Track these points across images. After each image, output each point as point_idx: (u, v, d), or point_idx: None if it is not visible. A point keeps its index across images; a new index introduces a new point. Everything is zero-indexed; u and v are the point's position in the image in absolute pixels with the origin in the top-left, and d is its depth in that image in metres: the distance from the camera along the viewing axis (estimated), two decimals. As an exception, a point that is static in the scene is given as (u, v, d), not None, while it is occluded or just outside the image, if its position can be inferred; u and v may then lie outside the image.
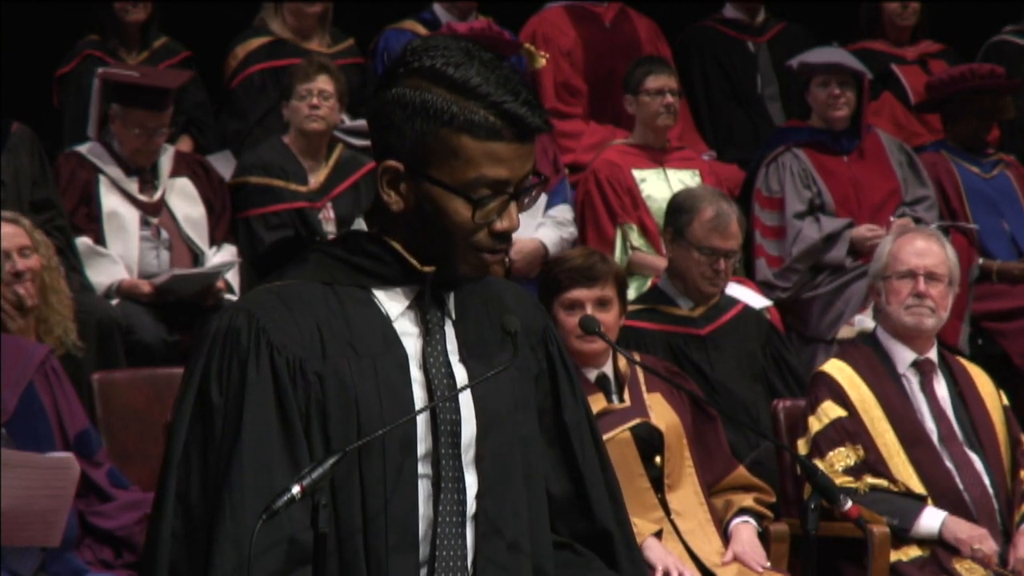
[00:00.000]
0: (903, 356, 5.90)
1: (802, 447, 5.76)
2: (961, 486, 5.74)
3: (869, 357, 5.90)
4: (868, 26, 9.08)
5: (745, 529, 5.53)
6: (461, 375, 2.99)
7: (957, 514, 5.66)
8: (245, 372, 2.89)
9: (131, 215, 7.14)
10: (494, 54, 2.94)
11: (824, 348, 7.51)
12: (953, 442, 5.81)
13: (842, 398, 5.79)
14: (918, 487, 5.70)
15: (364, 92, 8.31)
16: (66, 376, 5.47)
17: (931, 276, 5.86)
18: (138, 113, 7.11)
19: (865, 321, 7.08)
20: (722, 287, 6.48)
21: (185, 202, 7.26)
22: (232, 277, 7.16)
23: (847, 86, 7.82)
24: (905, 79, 8.88)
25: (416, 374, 2.95)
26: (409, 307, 2.98)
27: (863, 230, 7.70)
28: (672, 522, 5.38)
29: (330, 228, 7.46)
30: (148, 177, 7.23)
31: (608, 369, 5.44)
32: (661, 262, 6.95)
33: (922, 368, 5.90)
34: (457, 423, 2.96)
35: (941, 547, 5.62)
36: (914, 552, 5.65)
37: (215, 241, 7.27)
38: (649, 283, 7.15)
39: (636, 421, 5.39)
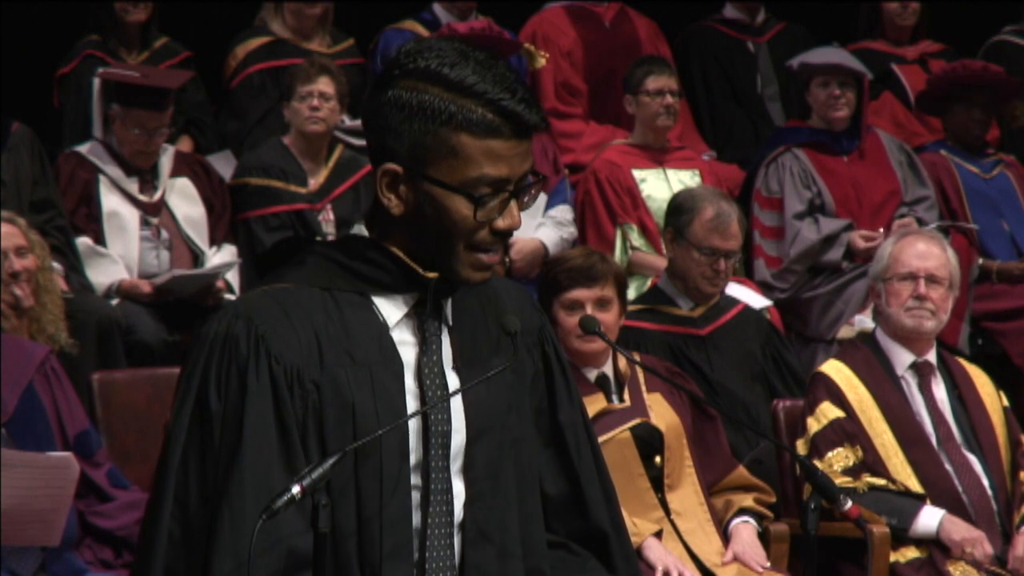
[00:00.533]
0: (902, 358, 5.90)
1: (801, 448, 5.76)
2: (960, 488, 5.73)
3: (868, 358, 5.90)
4: (868, 26, 9.08)
5: (745, 529, 5.53)
6: (454, 383, 2.99)
7: (956, 516, 5.65)
8: (245, 380, 2.89)
9: (131, 215, 7.14)
10: (489, 53, 2.94)
11: (824, 348, 7.52)
12: (952, 444, 5.81)
13: (840, 399, 5.79)
14: (917, 488, 5.70)
15: (364, 92, 8.31)
16: (66, 376, 5.47)
17: (932, 279, 5.85)
18: (138, 113, 7.11)
19: (865, 321, 7.08)
20: (722, 287, 6.48)
21: (185, 202, 7.26)
22: (232, 277, 7.16)
23: (847, 86, 7.82)
24: (905, 79, 8.88)
25: (411, 384, 2.96)
26: (407, 315, 2.98)
27: (859, 238, 7.68)
28: (672, 522, 5.38)
29: (330, 229, 7.46)
30: (148, 177, 7.23)
31: (608, 369, 5.44)
32: (661, 262, 6.95)
33: (921, 370, 5.90)
34: (448, 433, 2.97)
35: (937, 548, 5.62)
36: (912, 554, 5.65)
37: (215, 241, 7.27)
38: (649, 283, 7.16)
39: (636, 421, 5.39)
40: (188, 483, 2.90)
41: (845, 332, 7.41)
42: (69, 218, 7.02)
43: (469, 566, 2.98)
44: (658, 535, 5.33)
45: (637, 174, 7.69)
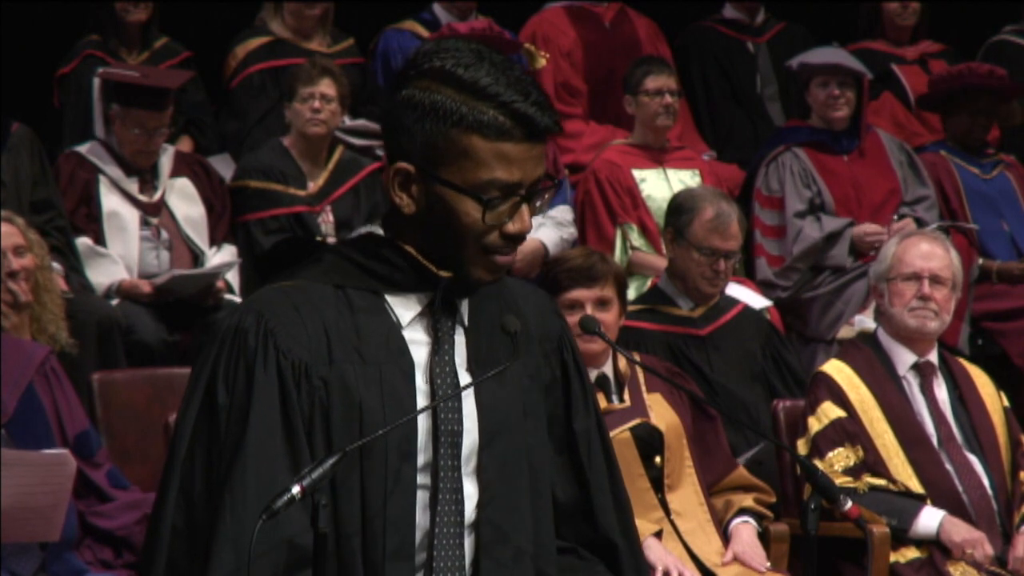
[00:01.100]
0: (903, 358, 5.90)
1: (801, 447, 5.76)
2: (960, 488, 5.73)
3: (869, 358, 5.89)
4: (868, 26, 9.08)
5: (745, 529, 5.53)
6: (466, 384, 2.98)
7: (956, 516, 5.65)
8: (252, 373, 2.89)
9: (131, 215, 7.14)
10: (506, 56, 2.93)
11: (824, 348, 7.51)
12: (953, 444, 5.81)
13: (841, 399, 5.79)
14: (917, 489, 5.70)
15: (364, 92, 8.32)
16: (66, 377, 5.47)
17: (936, 279, 5.86)
18: (138, 113, 7.11)
19: (865, 321, 7.08)
20: (722, 287, 6.48)
21: (185, 202, 7.26)
22: (232, 277, 7.16)
23: (847, 86, 7.82)
24: (905, 79, 8.88)
25: (422, 384, 2.95)
26: (420, 314, 2.97)
27: (864, 228, 7.69)
28: (672, 522, 5.38)
29: (329, 231, 7.46)
30: (148, 177, 7.23)
31: (608, 369, 5.44)
32: (661, 262, 6.95)
33: (922, 370, 5.90)
34: (459, 434, 2.96)
35: (938, 548, 5.62)
36: (912, 554, 5.65)
37: (215, 241, 7.27)
38: (649, 283, 7.15)
39: (636, 421, 5.39)
40: (194, 475, 2.90)
41: (845, 332, 7.40)
42: (69, 218, 7.02)
43: (488, 564, 2.97)
44: (658, 535, 5.33)
45: (637, 174, 7.69)
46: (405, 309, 2.97)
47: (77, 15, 8.22)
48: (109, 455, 5.58)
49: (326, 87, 7.45)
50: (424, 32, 8.45)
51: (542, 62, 8.40)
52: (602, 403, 5.38)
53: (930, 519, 5.64)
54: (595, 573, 3.12)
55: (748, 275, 7.64)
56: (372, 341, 2.93)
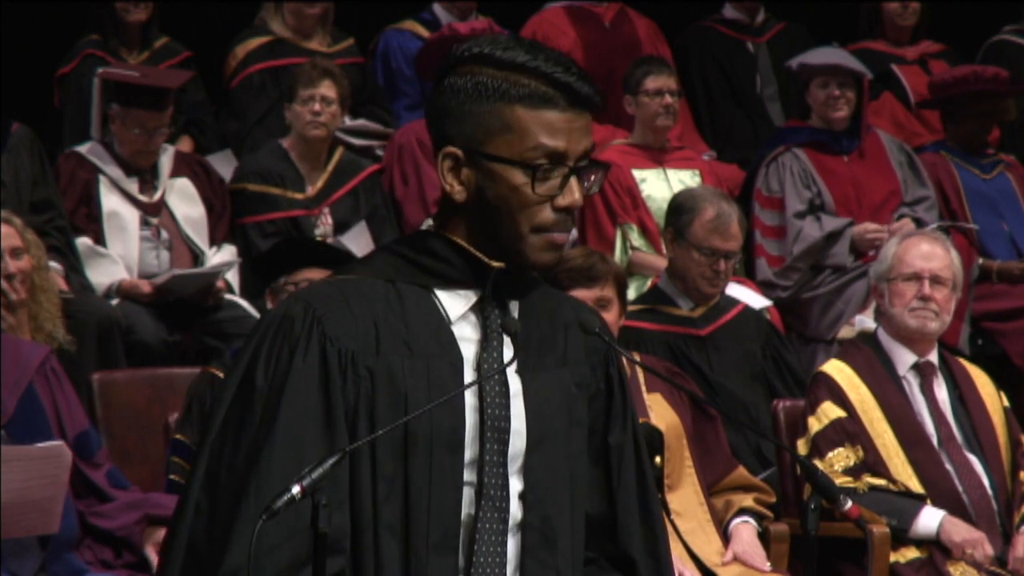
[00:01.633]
0: (904, 358, 5.90)
1: (802, 447, 5.76)
2: (960, 488, 5.74)
3: (869, 358, 5.90)
4: (868, 26, 9.08)
5: (745, 529, 5.53)
6: (516, 386, 2.98)
7: (956, 516, 5.66)
8: (292, 359, 2.89)
9: (131, 215, 7.14)
10: (542, 44, 2.98)
11: (824, 348, 7.51)
12: (953, 444, 5.81)
13: (841, 399, 5.79)
14: (917, 489, 5.70)
15: (364, 92, 8.32)
16: (66, 377, 5.47)
17: (936, 280, 5.86)
18: (138, 113, 7.11)
19: (865, 321, 7.08)
20: (722, 288, 6.48)
21: (185, 202, 7.26)
22: (232, 277, 7.16)
23: (847, 87, 7.82)
24: (905, 79, 8.88)
25: (468, 379, 2.94)
26: (471, 310, 2.97)
27: (865, 227, 7.69)
28: (672, 522, 5.38)
29: (328, 233, 7.45)
30: (148, 177, 7.23)
31: (608, 369, 5.43)
32: (661, 262, 6.95)
33: (922, 371, 5.90)
34: (506, 431, 2.95)
35: (938, 549, 5.62)
36: (912, 554, 5.65)
37: (215, 241, 7.27)
38: (649, 283, 7.15)
39: (636, 421, 5.39)
40: (222, 455, 2.90)
41: (845, 332, 7.40)
42: (69, 218, 7.01)
43: (528, 570, 2.97)
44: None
45: (637, 174, 7.68)
46: (455, 305, 2.97)
47: (77, 15, 8.22)
48: (109, 455, 5.58)
49: (326, 89, 7.45)
50: (424, 32, 8.45)
51: (542, 62, 8.38)
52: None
53: (930, 519, 5.64)
54: None
55: (748, 275, 7.64)
56: (421, 334, 2.93)
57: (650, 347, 6.26)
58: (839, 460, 5.70)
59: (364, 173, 7.64)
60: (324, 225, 7.49)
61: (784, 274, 7.72)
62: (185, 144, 7.99)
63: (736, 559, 5.45)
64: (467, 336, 2.97)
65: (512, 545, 2.97)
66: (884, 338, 5.94)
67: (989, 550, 5.61)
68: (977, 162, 8.18)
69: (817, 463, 5.59)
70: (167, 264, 7.11)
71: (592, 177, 2.96)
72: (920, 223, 7.75)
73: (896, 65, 8.94)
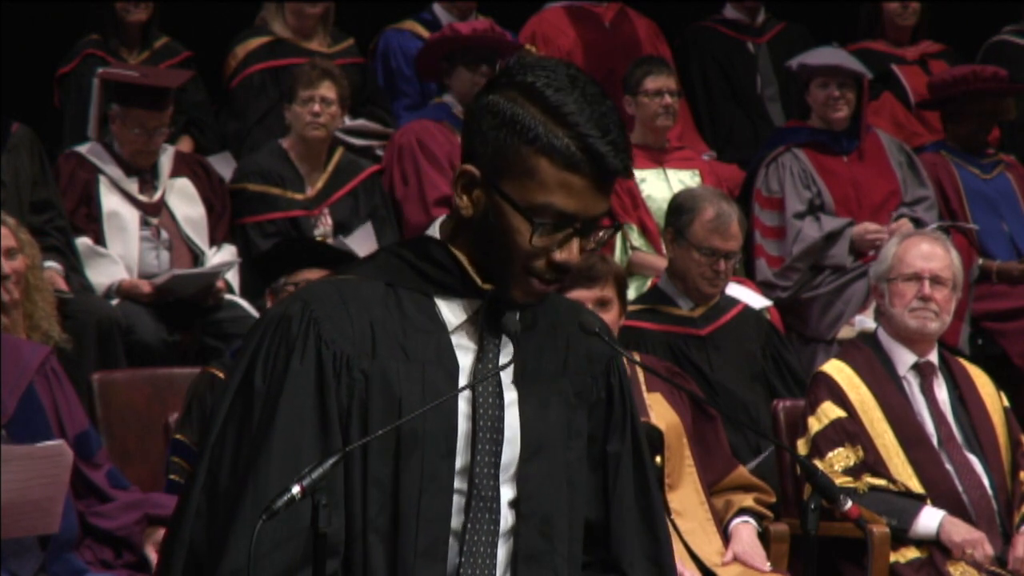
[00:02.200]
0: (904, 358, 5.90)
1: (802, 447, 5.76)
2: (960, 488, 5.74)
3: (869, 358, 5.90)
4: (868, 26, 9.09)
5: (745, 529, 5.53)
6: (511, 396, 2.98)
7: (956, 516, 5.66)
8: (289, 360, 2.89)
9: (131, 215, 7.14)
10: (600, 89, 2.93)
11: (824, 348, 7.52)
12: (953, 444, 5.81)
13: (841, 399, 5.79)
14: (917, 489, 5.70)
15: (364, 92, 8.32)
16: (66, 377, 5.46)
17: (936, 280, 5.86)
18: (138, 113, 7.11)
19: (865, 321, 7.08)
20: (722, 288, 6.48)
21: (185, 202, 7.26)
22: (232, 277, 7.16)
23: (847, 87, 7.82)
24: (905, 79, 8.88)
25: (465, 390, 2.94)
26: (468, 320, 2.97)
27: (864, 227, 7.69)
28: (673, 522, 5.38)
29: (327, 233, 7.46)
30: (148, 177, 7.23)
31: (608, 369, 5.43)
32: (661, 262, 6.95)
33: (923, 371, 5.90)
34: (499, 442, 2.95)
35: (938, 549, 5.62)
36: (912, 554, 5.65)
37: (215, 241, 7.27)
38: (649, 283, 7.16)
39: (636, 421, 5.38)
40: (222, 458, 2.90)
41: (845, 332, 7.41)
42: (69, 218, 7.01)
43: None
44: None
45: (637, 174, 7.68)
46: (452, 314, 2.97)
47: (77, 15, 8.22)
48: (109, 455, 5.58)
49: (326, 90, 7.44)
50: (424, 32, 8.45)
51: (542, 63, 8.38)
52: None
53: (930, 519, 5.64)
54: None
55: (748, 275, 7.64)
56: (418, 340, 2.93)
57: (650, 347, 6.26)
58: (839, 460, 5.70)
59: (364, 174, 7.64)
60: (324, 225, 7.49)
61: (784, 274, 7.72)
62: (185, 144, 7.99)
63: (736, 559, 5.45)
64: (464, 345, 2.97)
65: (503, 553, 2.97)
66: (884, 338, 5.93)
67: (989, 550, 5.61)
68: (977, 162, 8.18)
69: (817, 463, 5.59)
70: (167, 264, 7.11)
71: (600, 234, 2.95)
72: (920, 223, 7.75)
73: (896, 65, 8.94)
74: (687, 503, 5.43)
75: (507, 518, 2.97)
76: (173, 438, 5.53)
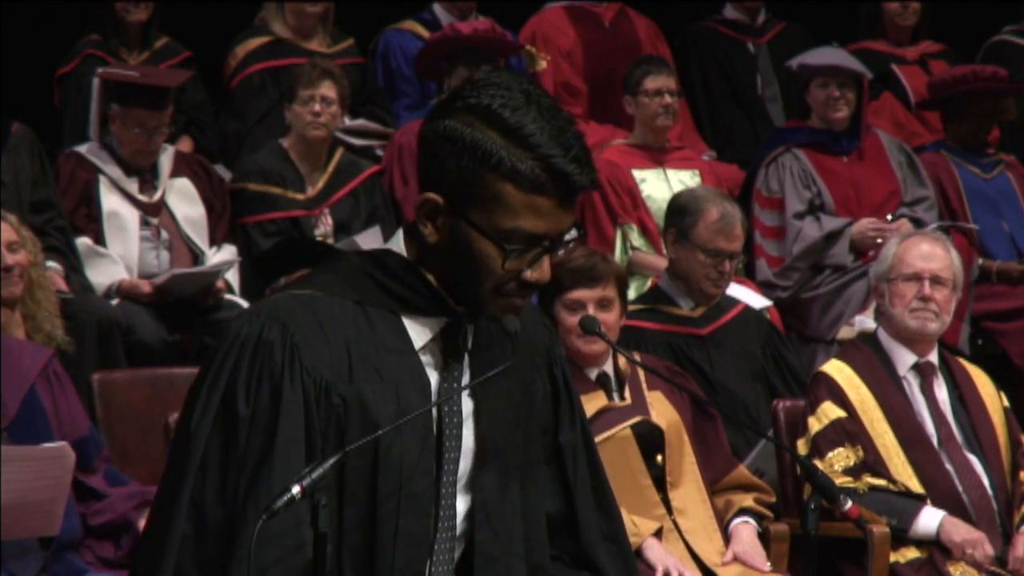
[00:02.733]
0: (904, 358, 5.90)
1: (802, 447, 5.76)
2: (960, 488, 5.73)
3: (869, 358, 5.89)
4: (868, 26, 9.09)
5: (745, 529, 5.53)
6: (468, 407, 2.99)
7: (956, 516, 5.65)
8: (280, 389, 2.87)
9: (131, 215, 7.14)
10: (553, 101, 2.90)
11: (824, 348, 7.51)
12: (953, 444, 5.81)
13: (841, 399, 5.78)
14: (917, 489, 5.70)
15: (364, 92, 8.32)
16: (69, 380, 5.46)
17: (936, 280, 5.85)
18: (138, 112, 7.11)
19: (865, 321, 7.08)
20: (724, 288, 6.47)
21: (185, 202, 7.26)
22: (232, 276, 7.15)
23: (847, 87, 7.82)
24: (905, 79, 8.88)
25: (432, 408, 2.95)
26: (433, 339, 2.97)
27: (864, 224, 7.69)
28: (674, 521, 5.38)
29: (328, 234, 7.45)
30: (148, 177, 7.23)
31: (608, 367, 5.44)
32: (661, 262, 6.94)
33: (923, 371, 5.90)
34: (457, 460, 2.97)
35: (938, 549, 5.62)
36: (912, 554, 5.65)
37: (215, 241, 7.27)
38: (649, 283, 7.15)
39: (637, 419, 5.39)
40: (205, 485, 2.88)
41: (845, 332, 7.40)
42: (69, 218, 7.01)
43: None
44: (658, 533, 5.33)
45: (637, 174, 7.68)
46: (419, 332, 2.96)
47: (77, 15, 8.22)
48: (109, 455, 5.57)
49: (326, 89, 7.45)
50: (424, 32, 8.45)
51: (543, 64, 8.40)
52: (603, 401, 5.38)
53: (930, 519, 5.64)
54: None
55: (748, 275, 7.64)
56: (390, 360, 2.93)
57: (651, 347, 6.26)
58: (839, 460, 5.70)
59: (364, 174, 7.64)
60: (324, 226, 7.49)
61: (784, 274, 7.72)
62: (185, 144, 7.99)
63: (736, 559, 5.44)
64: (429, 363, 2.97)
65: (456, 558, 2.98)
66: (884, 338, 5.93)
67: (989, 550, 5.61)
68: (977, 162, 8.18)
69: (817, 463, 5.59)
70: (167, 264, 7.11)
71: (569, 246, 2.96)
72: (920, 223, 7.75)
73: (896, 65, 8.94)
74: (688, 501, 5.43)
75: (460, 525, 2.98)
76: (173, 438, 5.52)
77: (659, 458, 5.39)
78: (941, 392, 5.90)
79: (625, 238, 7.59)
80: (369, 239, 7.34)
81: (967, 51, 9.01)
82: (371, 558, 2.91)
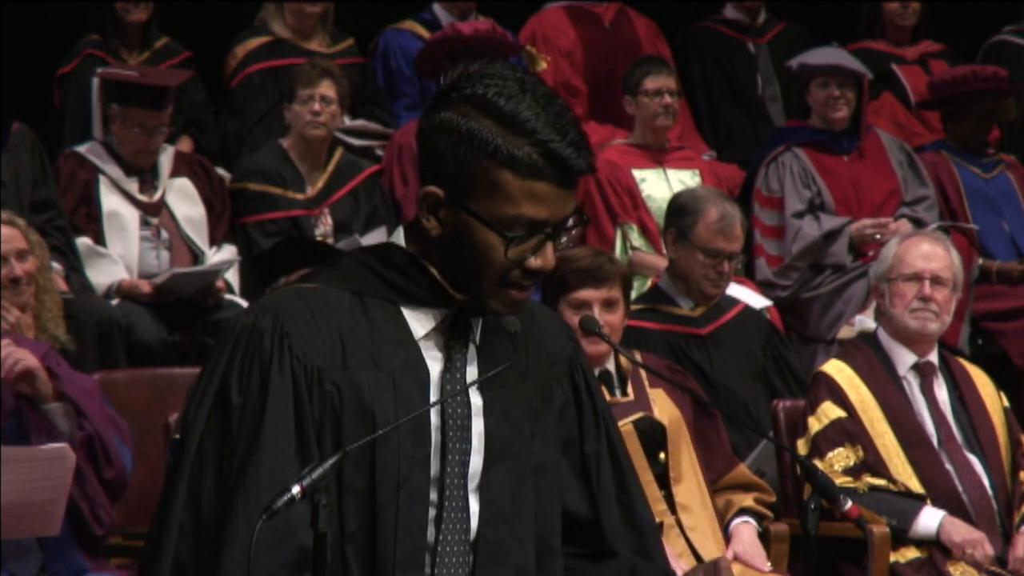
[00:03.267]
0: (904, 358, 5.90)
1: (802, 447, 5.76)
2: (960, 488, 5.74)
3: (869, 358, 5.89)
4: (868, 26, 9.09)
5: (745, 529, 5.53)
6: (477, 404, 2.98)
7: (956, 516, 5.66)
8: (268, 376, 2.88)
9: (131, 215, 7.14)
10: (548, 88, 2.90)
11: (824, 348, 7.51)
12: (953, 444, 5.81)
13: (842, 399, 5.79)
14: (917, 489, 5.70)
15: (364, 92, 8.32)
16: (68, 366, 5.43)
17: (937, 280, 5.85)
18: (138, 112, 7.11)
19: (865, 321, 7.08)
20: (724, 288, 6.47)
21: (185, 202, 7.26)
22: (232, 277, 7.16)
23: (847, 87, 7.82)
24: (905, 79, 8.88)
25: (434, 397, 2.94)
26: (435, 330, 2.97)
27: (864, 222, 7.69)
28: (676, 518, 5.38)
29: (328, 233, 7.45)
30: (148, 177, 7.23)
31: (611, 365, 5.44)
32: (661, 262, 6.94)
33: (923, 371, 5.90)
34: (467, 452, 2.96)
35: (938, 549, 5.62)
36: (912, 554, 5.65)
37: (215, 241, 7.27)
38: (649, 283, 7.15)
39: (639, 415, 5.39)
40: (203, 475, 2.89)
41: (845, 332, 7.40)
42: (69, 218, 7.01)
43: None
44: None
45: (637, 174, 7.69)
46: (420, 323, 2.96)
47: (77, 15, 8.22)
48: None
49: (326, 89, 7.45)
50: (424, 32, 8.45)
51: (543, 65, 8.39)
52: (605, 397, 5.38)
53: (930, 519, 5.64)
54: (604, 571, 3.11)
55: (748, 275, 7.64)
56: (387, 350, 2.93)
57: (651, 346, 6.26)
58: (839, 460, 5.70)
59: (364, 174, 7.64)
60: (324, 225, 7.49)
61: (783, 274, 7.72)
62: (185, 144, 7.99)
63: (736, 559, 5.44)
64: (431, 354, 2.97)
65: (471, 561, 2.97)
66: (884, 338, 5.93)
67: (989, 550, 5.61)
68: (977, 162, 8.18)
69: (817, 463, 5.59)
70: (167, 264, 7.11)
71: (572, 233, 2.96)
72: (920, 223, 7.75)
73: (896, 65, 8.94)
74: (691, 497, 5.43)
75: (475, 528, 2.97)
76: (173, 438, 5.52)
77: (662, 456, 5.38)
78: (941, 392, 5.90)
79: (625, 238, 7.59)
80: (372, 241, 7.34)
81: (967, 51, 9.01)
82: (372, 548, 2.90)
